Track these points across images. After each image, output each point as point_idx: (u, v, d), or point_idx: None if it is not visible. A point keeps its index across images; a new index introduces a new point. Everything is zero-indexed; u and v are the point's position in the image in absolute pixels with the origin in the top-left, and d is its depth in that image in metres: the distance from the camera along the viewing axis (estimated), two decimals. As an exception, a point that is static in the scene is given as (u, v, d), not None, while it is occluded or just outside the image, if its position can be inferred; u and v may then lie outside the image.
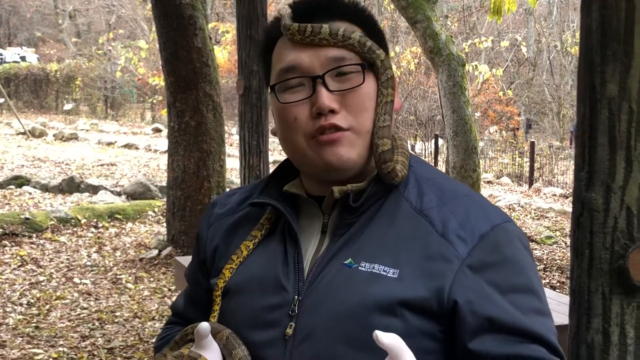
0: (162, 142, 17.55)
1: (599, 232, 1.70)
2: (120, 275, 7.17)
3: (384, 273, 1.17)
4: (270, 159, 5.35)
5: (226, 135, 8.44)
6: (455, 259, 1.17)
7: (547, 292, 5.29)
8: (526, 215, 11.53)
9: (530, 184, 15.66)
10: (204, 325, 1.20)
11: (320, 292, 1.20)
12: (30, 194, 11.05)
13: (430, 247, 1.18)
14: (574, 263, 1.78)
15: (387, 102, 1.26)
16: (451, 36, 10.36)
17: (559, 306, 4.72)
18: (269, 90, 1.30)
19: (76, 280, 6.94)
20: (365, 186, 1.25)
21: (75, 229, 8.70)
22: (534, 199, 13.56)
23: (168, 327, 1.51)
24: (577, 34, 21.20)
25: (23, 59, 32.30)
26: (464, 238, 1.18)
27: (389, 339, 1.02)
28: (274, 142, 18.87)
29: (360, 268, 1.19)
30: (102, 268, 7.39)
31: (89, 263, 7.54)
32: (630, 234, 1.67)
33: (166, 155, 8.08)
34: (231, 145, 16.41)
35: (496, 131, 22.83)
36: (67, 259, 7.62)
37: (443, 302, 1.15)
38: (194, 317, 1.40)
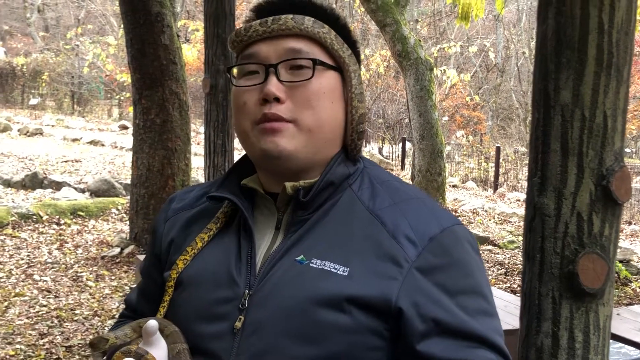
0: (128, 140, 17.39)
1: (550, 237, 1.73)
2: (81, 272, 7.09)
3: (334, 270, 1.19)
4: (235, 158, 5.33)
5: (193, 134, 8.39)
6: (405, 262, 1.18)
7: (507, 296, 5.34)
8: (490, 220, 11.63)
9: (495, 189, 15.81)
10: (152, 323, 1.21)
11: (270, 287, 1.21)
12: (-8, 188, 10.90)
13: (381, 248, 1.20)
14: (526, 267, 1.81)
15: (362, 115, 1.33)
16: (420, 40, 10.43)
17: (517, 310, 4.75)
18: (226, 72, 1.34)
19: (36, 277, 6.86)
20: (315, 182, 1.27)
21: (36, 226, 8.60)
22: (498, 203, 13.68)
23: (120, 321, 1.51)
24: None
25: (-11, 52, 31.83)
26: (414, 240, 1.20)
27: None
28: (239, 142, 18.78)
29: (311, 265, 1.20)
30: (63, 265, 7.31)
31: (49, 260, 7.45)
32: (581, 239, 1.70)
33: (131, 152, 8.01)
34: (198, 144, 16.32)
35: (463, 136, 23.01)
36: (28, 256, 7.53)
37: (390, 304, 1.16)
38: (146, 311, 1.42)
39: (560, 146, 1.70)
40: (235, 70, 1.33)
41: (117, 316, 5.73)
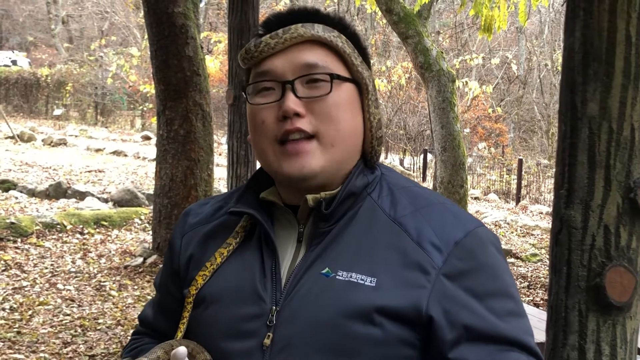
0: (151, 150, 17.51)
1: (577, 249, 1.72)
2: (104, 282, 7.14)
3: (362, 282, 1.18)
4: (257, 168, 5.35)
5: (215, 145, 8.43)
6: (432, 268, 1.18)
7: (530, 309, 5.30)
8: (512, 232, 11.56)
9: (518, 201, 15.71)
10: (181, 350, 1.21)
11: (298, 303, 1.20)
12: (16, 198, 11.00)
13: (407, 256, 1.19)
14: (552, 280, 1.80)
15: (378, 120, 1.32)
16: (442, 52, 10.42)
17: (541, 323, 4.70)
18: (242, 91, 1.31)
19: (60, 286, 6.91)
20: (337, 193, 1.26)
21: (60, 235, 8.67)
22: (521, 216, 13.60)
23: (136, 338, 1.49)
24: (567, 54, 21.32)
25: (14, 63, 32.16)
26: (439, 246, 1.20)
27: None
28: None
29: (337, 277, 1.19)
30: (87, 275, 7.36)
31: (73, 269, 7.51)
32: (608, 252, 1.69)
33: (154, 163, 8.06)
34: (220, 154, 16.40)
35: (485, 147, 22.92)
36: (52, 265, 7.59)
37: (421, 313, 1.16)
38: (164, 327, 1.40)
39: (587, 159, 1.70)
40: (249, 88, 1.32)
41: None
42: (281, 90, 1.24)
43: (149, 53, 7.74)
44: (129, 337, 1.63)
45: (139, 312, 5.73)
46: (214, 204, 1.44)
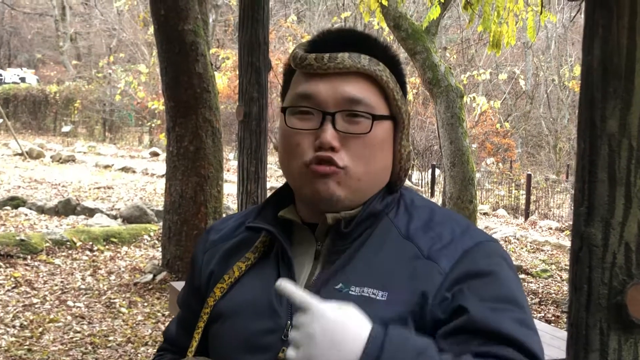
0: (159, 166, 17.54)
1: (598, 267, 1.71)
2: (114, 299, 7.13)
3: (374, 296, 1.19)
4: (267, 185, 5.36)
5: (224, 161, 8.45)
6: (439, 274, 1.19)
7: (542, 326, 5.27)
8: (522, 248, 11.52)
9: (527, 217, 15.66)
10: None
11: None
12: (26, 215, 11.02)
13: (416, 270, 1.21)
14: (572, 298, 1.79)
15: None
16: (450, 68, 10.44)
17: (553, 340, 4.70)
18: (281, 110, 1.31)
19: (70, 303, 6.91)
20: (357, 213, 1.27)
21: (70, 252, 8.67)
22: (530, 231, 13.56)
23: (160, 355, 1.51)
24: (575, 68, 21.34)
25: (22, 80, 32.36)
26: (448, 254, 1.21)
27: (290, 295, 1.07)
28: (271, 169, 18.88)
29: (350, 292, 1.21)
30: (96, 292, 7.35)
31: (83, 286, 7.50)
32: (629, 270, 1.68)
33: (163, 179, 8.08)
34: (228, 170, 16.42)
35: (493, 163, 22.89)
36: (62, 282, 7.59)
37: (425, 313, 1.17)
38: (186, 344, 1.40)
39: (607, 176, 1.69)
40: (283, 99, 1.33)
41: (147, 351, 5.74)
42: (321, 118, 1.25)
43: (157, 70, 7.77)
44: (153, 354, 1.64)
45: (149, 329, 5.74)
46: (236, 220, 1.46)
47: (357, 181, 1.26)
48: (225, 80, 21.11)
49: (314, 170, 1.24)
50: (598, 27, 1.71)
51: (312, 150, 1.25)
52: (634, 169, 1.67)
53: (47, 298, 7.02)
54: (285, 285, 1.07)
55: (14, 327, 6.12)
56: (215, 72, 9.04)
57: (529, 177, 16.59)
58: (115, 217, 11.11)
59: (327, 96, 1.25)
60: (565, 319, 7.13)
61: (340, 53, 1.26)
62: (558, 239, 12.63)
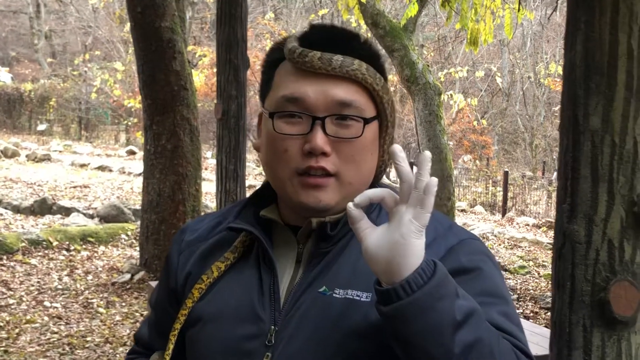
0: (136, 165, 17.42)
1: (581, 264, 1.71)
2: (91, 299, 7.06)
3: (358, 298, 1.18)
4: (246, 183, 5.33)
5: (202, 159, 8.39)
6: None
7: (521, 322, 5.29)
8: (500, 245, 11.58)
9: (504, 213, 15.76)
10: None
11: (296, 322, 1.20)
12: (1, 215, 10.89)
13: None
14: (555, 295, 1.79)
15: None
16: (428, 65, 10.46)
17: (533, 336, 4.72)
18: (266, 114, 1.27)
19: (47, 303, 6.83)
20: (342, 216, 1.25)
21: (46, 252, 8.58)
22: (507, 228, 13.63)
23: (132, 358, 1.48)
24: (551, 66, 21.48)
25: (-3, 78, 32.00)
26: (431, 253, 1.17)
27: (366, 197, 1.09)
28: (249, 167, 18.80)
29: (334, 295, 1.19)
30: (74, 292, 7.28)
31: (60, 286, 7.43)
32: (612, 266, 1.68)
33: (140, 178, 8.01)
34: (206, 169, 16.34)
35: (470, 160, 23.00)
36: (38, 282, 7.50)
37: None
38: (161, 347, 1.38)
39: (590, 172, 1.69)
40: (269, 101, 1.28)
41: (126, 352, 5.69)
42: (310, 123, 1.22)
43: (133, 67, 7.70)
44: (124, 356, 1.61)
45: (127, 329, 5.68)
46: (212, 220, 1.42)
47: (349, 185, 1.24)
48: (202, 78, 20.98)
49: (305, 182, 1.22)
50: (580, 24, 1.71)
51: (301, 155, 1.22)
52: (617, 166, 1.67)
53: (24, 299, 6.94)
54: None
55: (-11, 328, 6.04)
56: (192, 70, 8.99)
57: (505, 174, 16.69)
58: (92, 217, 11.01)
59: (316, 99, 1.22)
60: (544, 315, 7.18)
61: (336, 56, 1.22)
62: (535, 235, 12.72)
